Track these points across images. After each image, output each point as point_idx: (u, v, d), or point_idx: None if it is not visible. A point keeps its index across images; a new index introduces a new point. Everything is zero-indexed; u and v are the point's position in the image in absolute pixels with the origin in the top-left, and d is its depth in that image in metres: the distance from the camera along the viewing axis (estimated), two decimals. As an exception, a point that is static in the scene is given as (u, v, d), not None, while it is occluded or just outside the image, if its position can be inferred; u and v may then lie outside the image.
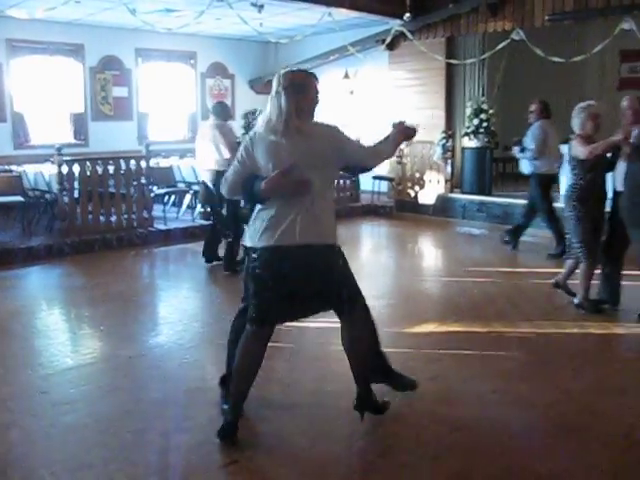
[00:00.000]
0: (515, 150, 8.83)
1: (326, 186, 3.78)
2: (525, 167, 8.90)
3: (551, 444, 3.82)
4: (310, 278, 3.65)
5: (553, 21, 10.74)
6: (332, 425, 4.08)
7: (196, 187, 10.70)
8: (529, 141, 8.65)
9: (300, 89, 3.71)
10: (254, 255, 3.70)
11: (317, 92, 3.81)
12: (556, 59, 10.63)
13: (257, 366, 3.84)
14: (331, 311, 3.81)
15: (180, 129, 14.70)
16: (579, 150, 6.05)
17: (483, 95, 12.22)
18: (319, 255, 3.66)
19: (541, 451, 3.74)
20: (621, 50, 13.49)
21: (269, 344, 3.82)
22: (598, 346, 5.62)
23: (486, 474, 3.54)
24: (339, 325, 3.86)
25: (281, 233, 3.61)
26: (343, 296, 3.75)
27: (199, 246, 8.76)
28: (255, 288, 3.73)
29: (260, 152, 3.71)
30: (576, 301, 6.30)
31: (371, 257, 9.88)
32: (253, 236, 3.71)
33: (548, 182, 8.78)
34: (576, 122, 6.15)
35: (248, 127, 12.70)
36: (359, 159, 3.91)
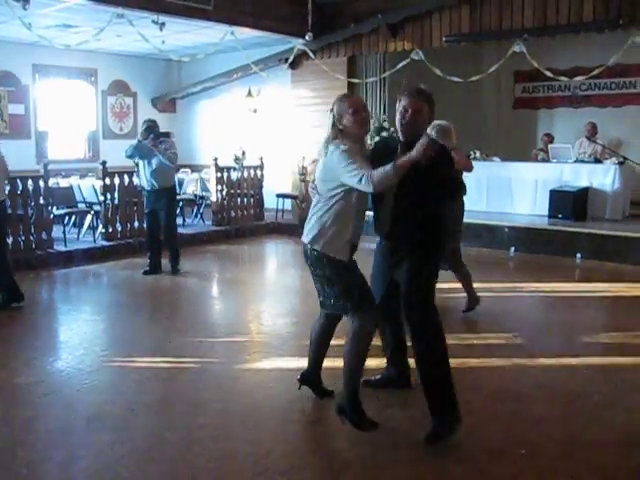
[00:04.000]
0: None
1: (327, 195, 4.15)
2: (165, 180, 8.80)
3: (462, 457, 3.91)
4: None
5: (450, 42, 11.12)
6: (237, 444, 4.04)
7: (97, 207, 10.47)
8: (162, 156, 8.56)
9: (337, 112, 4.09)
10: None
11: (353, 112, 4.05)
12: (454, 79, 10.99)
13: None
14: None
15: (80, 148, 14.36)
16: None
17: (385, 113, 12.48)
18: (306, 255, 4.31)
19: (451, 455, 3.83)
20: (515, 71, 14.12)
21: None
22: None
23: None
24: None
25: None
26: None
27: (101, 268, 8.53)
28: None
29: None
30: None
31: (275, 276, 9.88)
32: None
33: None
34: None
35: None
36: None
